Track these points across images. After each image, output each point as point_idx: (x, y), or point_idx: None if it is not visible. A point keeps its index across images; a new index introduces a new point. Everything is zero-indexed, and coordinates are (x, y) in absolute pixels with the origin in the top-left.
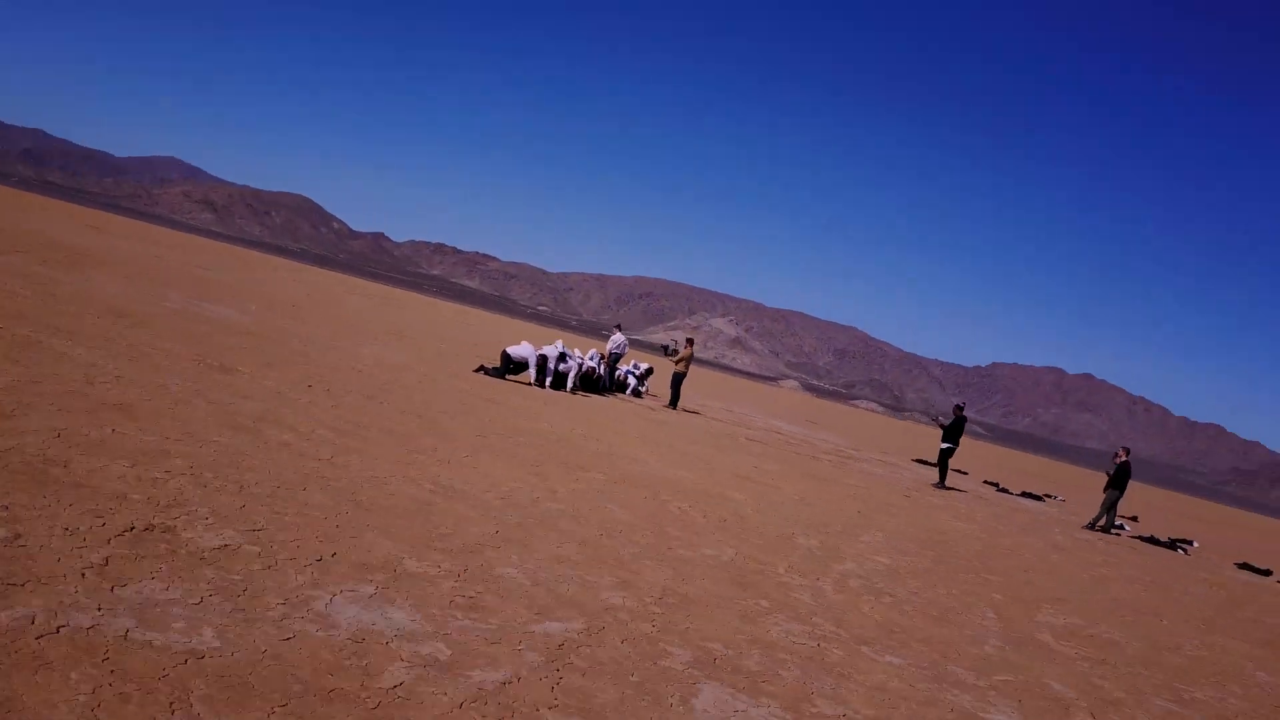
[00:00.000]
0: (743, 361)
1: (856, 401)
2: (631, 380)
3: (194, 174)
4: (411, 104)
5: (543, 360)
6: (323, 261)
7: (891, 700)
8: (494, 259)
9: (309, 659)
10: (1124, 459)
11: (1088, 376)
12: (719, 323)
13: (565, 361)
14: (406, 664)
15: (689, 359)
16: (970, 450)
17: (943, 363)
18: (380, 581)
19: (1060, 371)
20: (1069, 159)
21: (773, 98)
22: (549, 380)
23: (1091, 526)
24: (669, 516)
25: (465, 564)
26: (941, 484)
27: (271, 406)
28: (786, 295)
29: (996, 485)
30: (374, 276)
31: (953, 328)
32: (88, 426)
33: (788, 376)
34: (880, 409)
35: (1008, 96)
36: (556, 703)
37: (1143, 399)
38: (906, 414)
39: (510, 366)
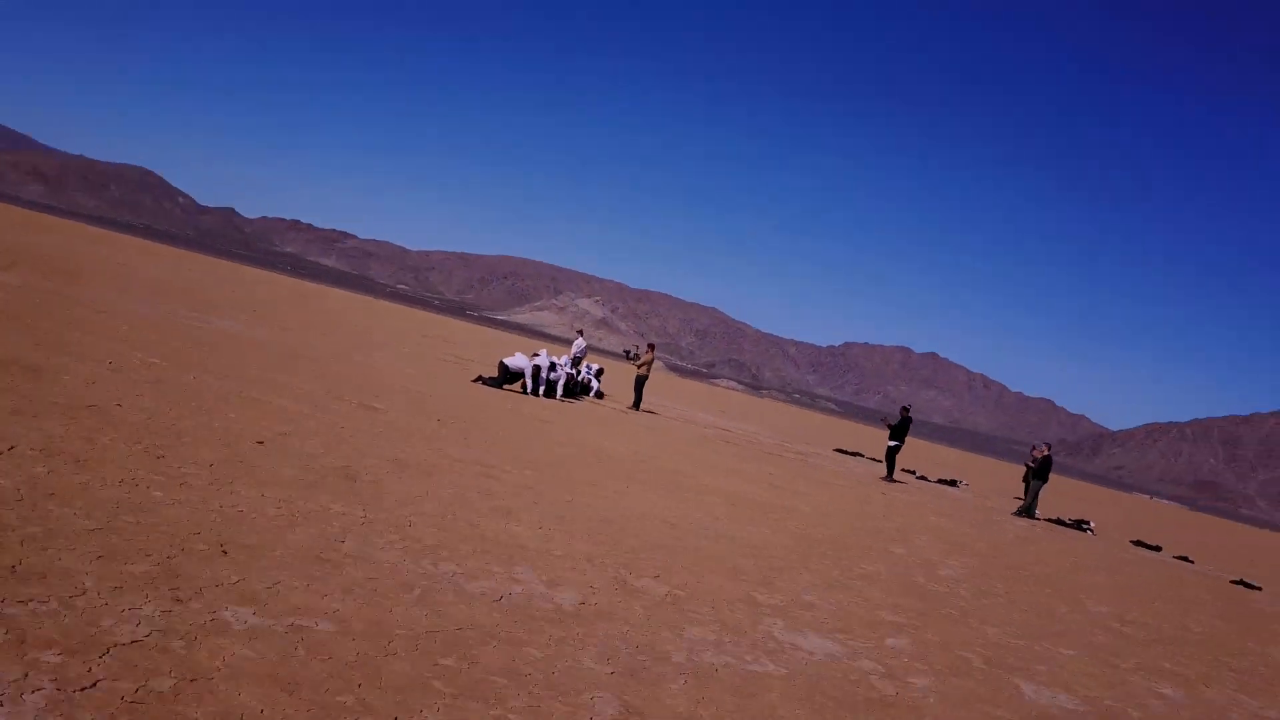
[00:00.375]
0: (609, 342)
1: (717, 381)
2: (595, 383)
3: (22, 142)
4: (262, 74)
5: (536, 371)
6: (169, 239)
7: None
8: (352, 236)
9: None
10: (1046, 453)
11: (933, 355)
12: (585, 303)
13: (555, 371)
14: None
15: (650, 363)
16: (833, 427)
17: (799, 342)
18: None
19: (908, 350)
20: (914, 147)
21: (633, 75)
22: (542, 389)
23: (1020, 513)
24: (807, 538)
25: (791, 598)
26: (889, 477)
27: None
28: (650, 276)
29: (914, 473)
30: (224, 254)
31: (809, 309)
32: None
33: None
34: (740, 388)
35: (854, 79)
36: None
37: (982, 375)
38: (764, 392)
39: (508, 377)
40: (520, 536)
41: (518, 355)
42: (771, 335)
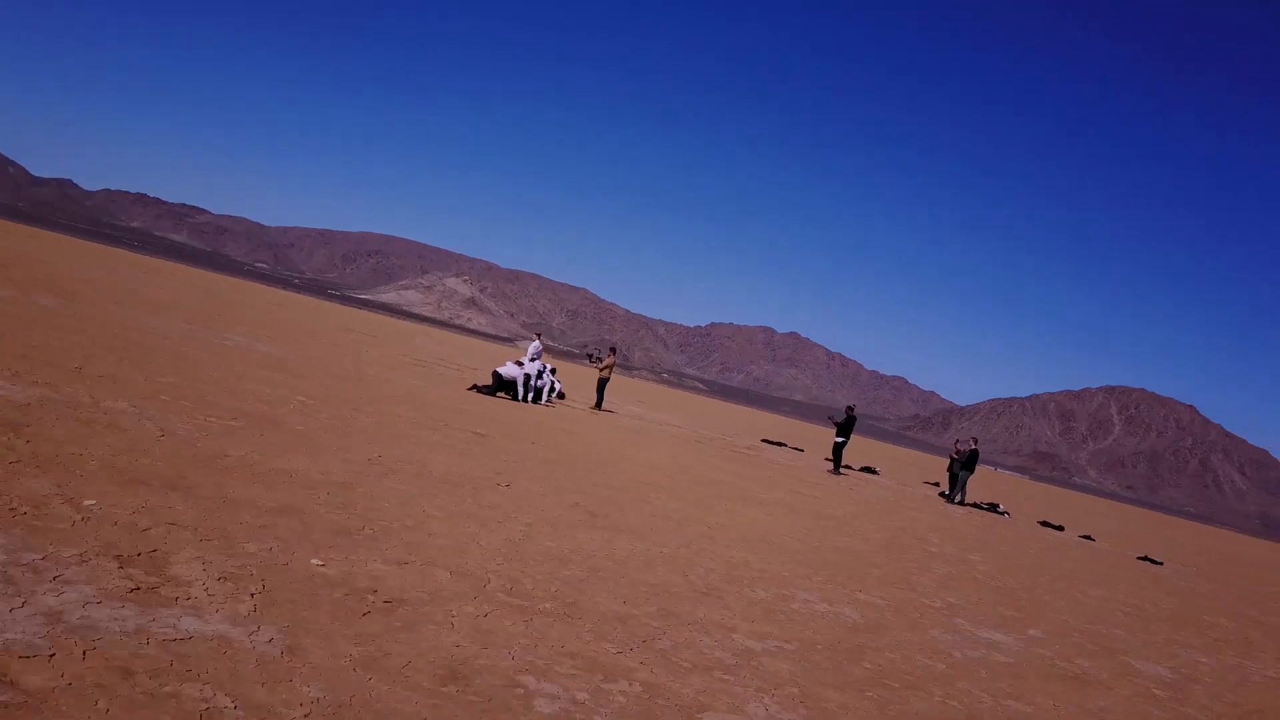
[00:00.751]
0: (478, 322)
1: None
2: (558, 385)
3: None
4: (102, 35)
5: (526, 379)
6: None
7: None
8: (204, 211)
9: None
10: (973, 447)
11: (794, 335)
12: (453, 283)
13: (542, 378)
14: None
15: (611, 366)
16: (702, 407)
17: (667, 323)
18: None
19: (771, 331)
20: (774, 132)
21: (500, 49)
22: (530, 395)
23: (950, 500)
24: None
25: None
26: (836, 470)
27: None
28: (519, 256)
29: (830, 460)
30: (62, 229)
31: (676, 289)
32: None
33: (523, 338)
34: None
35: (708, 59)
36: None
37: (840, 355)
38: (636, 372)
39: (501, 385)
40: (749, 562)
41: (508, 364)
42: (641, 315)
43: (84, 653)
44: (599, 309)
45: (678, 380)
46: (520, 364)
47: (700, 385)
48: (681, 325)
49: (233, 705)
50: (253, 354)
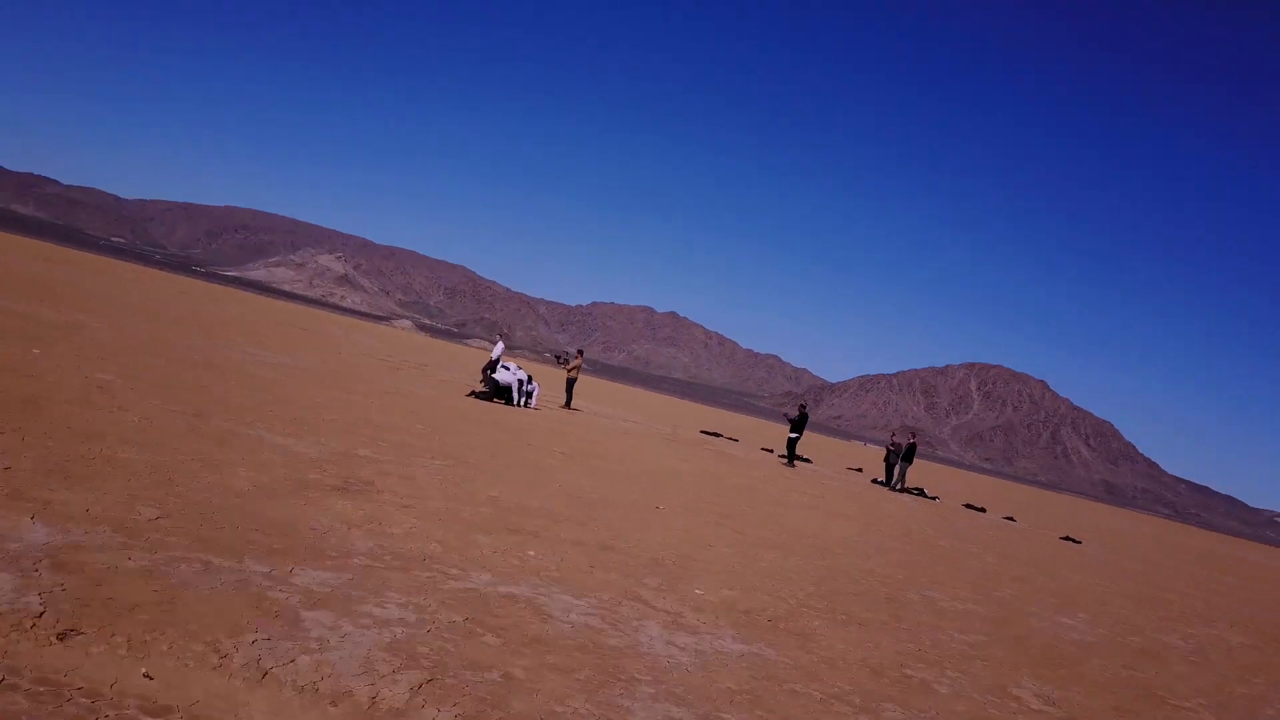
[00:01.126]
0: (353, 300)
1: (469, 341)
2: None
3: None
4: None
5: (520, 385)
6: None
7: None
8: (53, 182)
9: None
10: (912, 440)
11: (673, 314)
12: (326, 259)
13: (531, 383)
14: None
15: (579, 367)
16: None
17: (548, 301)
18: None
19: (650, 310)
20: (650, 115)
21: (368, 21)
22: (523, 400)
23: (893, 488)
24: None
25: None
26: (790, 463)
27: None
28: (395, 232)
29: (772, 451)
30: None
31: (557, 268)
32: None
33: (401, 316)
34: (490, 348)
35: (587, 40)
36: None
37: (717, 334)
38: (517, 351)
39: (498, 391)
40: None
41: (503, 371)
42: (521, 294)
43: None
44: (479, 287)
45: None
46: (508, 368)
47: (585, 366)
48: (563, 304)
49: None
50: (301, 371)
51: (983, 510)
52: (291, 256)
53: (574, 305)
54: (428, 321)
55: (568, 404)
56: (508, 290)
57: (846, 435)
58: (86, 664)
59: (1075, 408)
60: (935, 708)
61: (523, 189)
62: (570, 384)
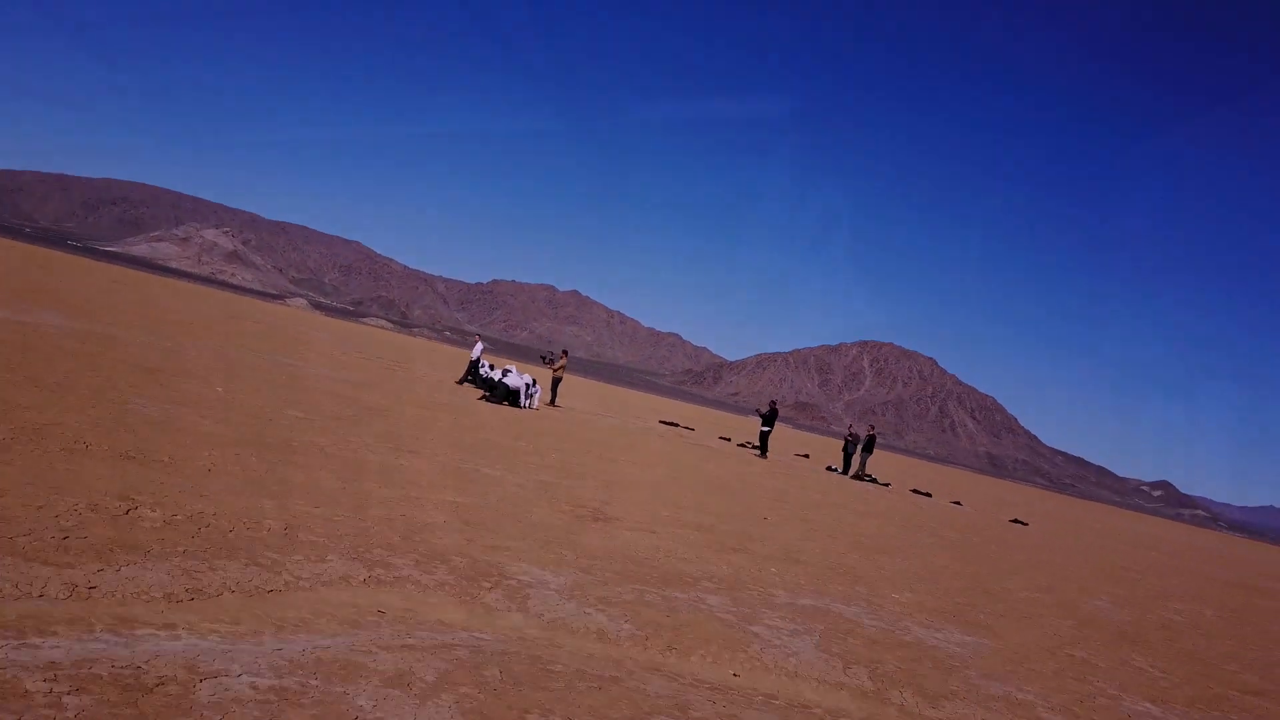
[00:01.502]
0: (243, 277)
1: (366, 319)
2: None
3: None
4: None
5: (526, 388)
6: None
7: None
8: None
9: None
10: (871, 433)
11: (575, 293)
12: (212, 234)
13: (535, 387)
14: None
15: (564, 366)
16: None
17: (447, 279)
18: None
19: (552, 289)
20: (550, 95)
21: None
22: (527, 403)
23: (855, 477)
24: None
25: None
26: (762, 455)
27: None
28: (286, 207)
29: (729, 439)
30: None
31: (456, 245)
32: None
33: (294, 294)
34: (390, 326)
35: (479, 19)
36: None
37: (619, 312)
38: (416, 330)
39: (506, 394)
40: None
41: (510, 375)
42: (420, 271)
43: None
44: (375, 264)
45: (461, 339)
46: (507, 371)
47: (486, 344)
48: (462, 282)
49: None
50: (341, 383)
51: (929, 495)
52: (175, 231)
53: (474, 283)
54: (323, 300)
55: (552, 401)
56: (405, 267)
57: (744, 411)
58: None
59: (961, 383)
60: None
61: (419, 163)
62: (555, 382)
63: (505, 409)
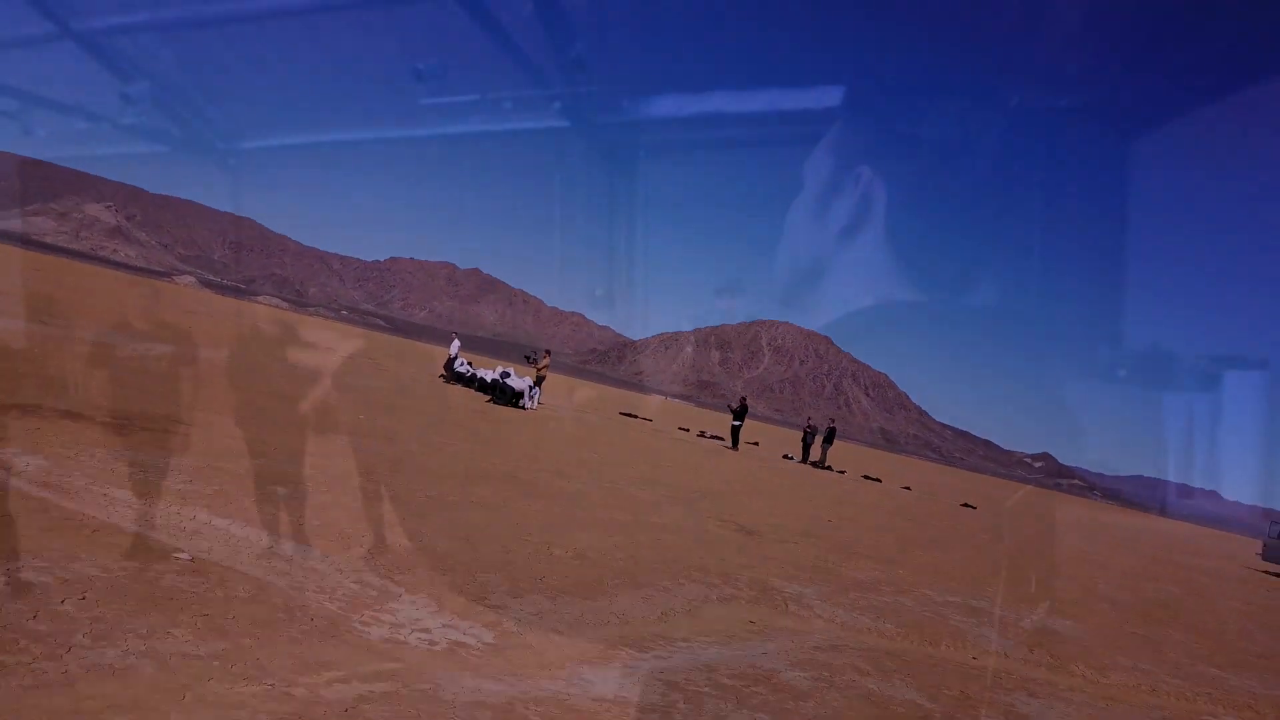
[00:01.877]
0: (127, 254)
1: (259, 298)
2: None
3: None
4: None
5: (529, 389)
6: None
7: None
8: None
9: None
10: (831, 425)
11: (476, 271)
12: (94, 209)
13: (535, 389)
14: None
15: (547, 365)
16: (390, 345)
17: (343, 257)
18: None
19: (453, 267)
20: (455, 76)
21: None
22: (528, 403)
23: (814, 465)
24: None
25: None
26: (734, 447)
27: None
28: (172, 181)
29: (687, 430)
30: None
31: (352, 222)
32: None
33: (182, 271)
34: (285, 304)
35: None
36: None
37: (522, 291)
38: (311, 309)
39: (510, 397)
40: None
41: (513, 377)
42: (315, 249)
43: None
44: (268, 241)
45: (360, 318)
46: (506, 374)
47: (381, 323)
48: (359, 260)
49: None
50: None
51: (878, 480)
52: (52, 205)
53: (371, 261)
54: (212, 278)
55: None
56: (299, 245)
57: (647, 389)
58: None
59: (856, 361)
60: None
61: (313, 136)
62: (539, 381)
63: (511, 411)
